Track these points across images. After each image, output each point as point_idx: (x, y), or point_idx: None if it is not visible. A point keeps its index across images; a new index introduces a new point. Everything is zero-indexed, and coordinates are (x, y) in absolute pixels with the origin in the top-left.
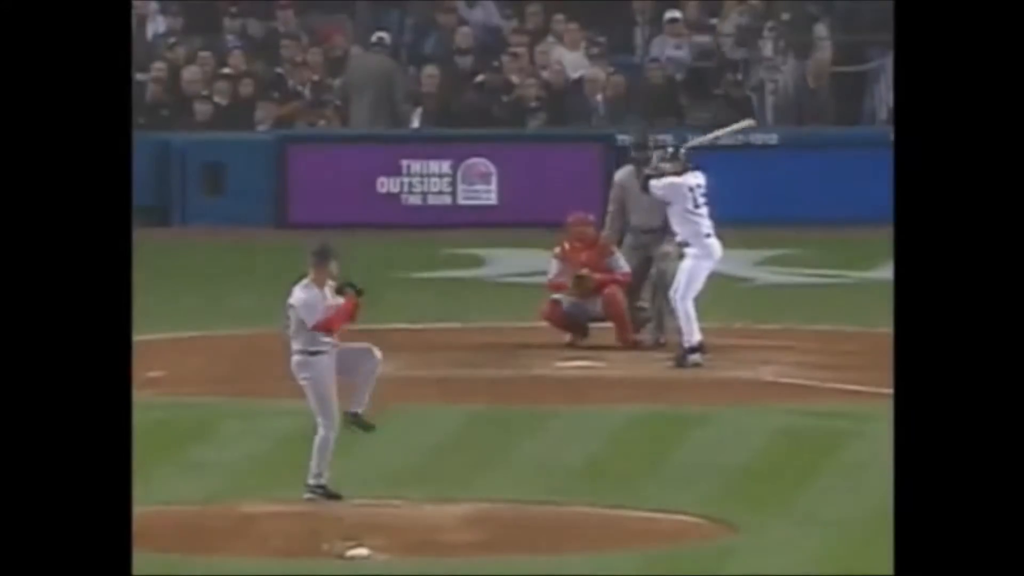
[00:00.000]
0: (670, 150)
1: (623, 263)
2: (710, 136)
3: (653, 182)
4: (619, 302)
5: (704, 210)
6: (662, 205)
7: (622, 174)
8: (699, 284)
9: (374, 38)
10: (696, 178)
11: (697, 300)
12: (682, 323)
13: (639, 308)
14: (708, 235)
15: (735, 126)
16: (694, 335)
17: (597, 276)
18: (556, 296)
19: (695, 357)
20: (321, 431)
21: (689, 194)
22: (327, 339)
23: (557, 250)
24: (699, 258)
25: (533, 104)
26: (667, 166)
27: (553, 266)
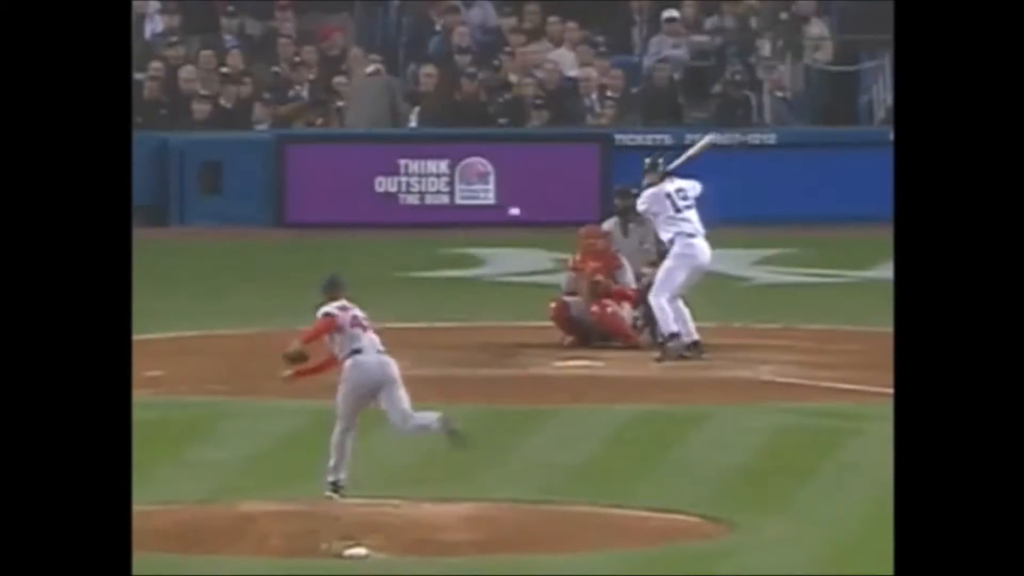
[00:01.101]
0: (647, 161)
1: (631, 278)
2: (682, 158)
3: (638, 202)
4: (616, 319)
5: (688, 213)
6: (644, 246)
7: (608, 224)
8: (675, 282)
9: (370, 69)
10: (673, 184)
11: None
12: (657, 315)
13: (635, 317)
14: (692, 235)
15: (701, 143)
16: (670, 325)
17: (614, 287)
18: (566, 298)
19: (674, 344)
20: (336, 429)
21: (667, 200)
22: (364, 339)
23: (569, 262)
24: (679, 257)
25: (537, 102)
26: (648, 178)
27: (565, 278)
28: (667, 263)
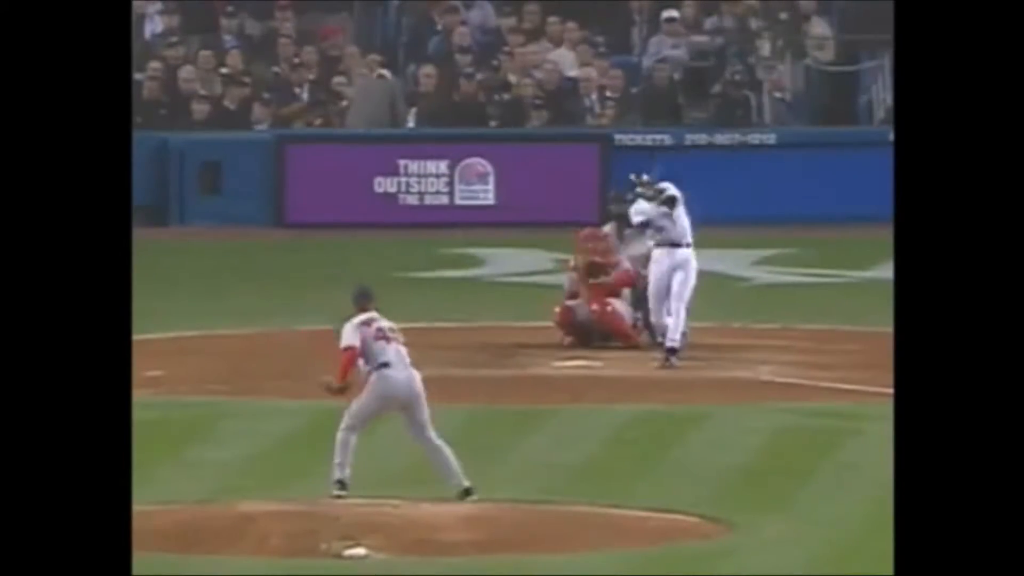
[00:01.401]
0: (633, 177)
1: (629, 268)
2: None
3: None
4: (616, 318)
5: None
6: (641, 250)
7: (607, 228)
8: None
9: (375, 74)
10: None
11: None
12: (673, 322)
13: (635, 317)
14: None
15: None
16: (677, 337)
17: (614, 273)
18: (570, 303)
19: (675, 359)
20: (341, 427)
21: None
22: (390, 351)
23: (570, 263)
24: (695, 271)
25: (537, 103)
26: (646, 192)
27: (567, 280)
28: (694, 276)
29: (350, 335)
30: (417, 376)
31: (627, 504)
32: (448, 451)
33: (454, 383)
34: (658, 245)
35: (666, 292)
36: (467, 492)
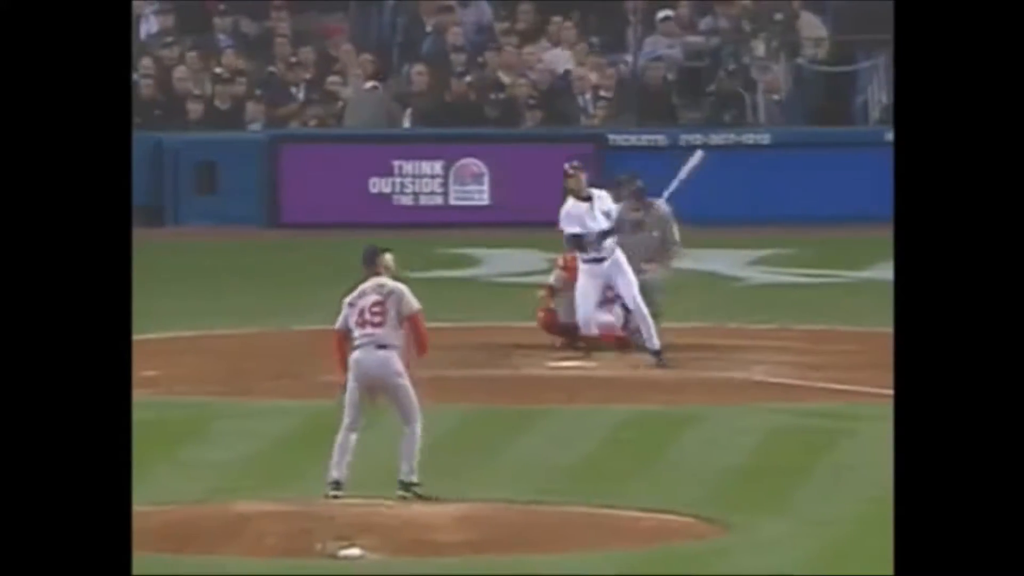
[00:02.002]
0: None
1: None
2: (676, 182)
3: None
4: (608, 328)
5: None
6: (653, 236)
7: None
8: None
9: (367, 86)
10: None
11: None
12: (646, 325)
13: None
14: None
15: (691, 164)
16: (655, 339)
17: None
18: (553, 306)
19: (662, 358)
20: (341, 425)
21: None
22: (360, 334)
23: (559, 260)
24: (623, 263)
25: (531, 102)
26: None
27: (554, 276)
28: (631, 273)
29: (339, 318)
30: (392, 357)
31: (622, 504)
32: (417, 443)
33: (450, 383)
34: (585, 261)
35: (603, 298)
36: (407, 486)
